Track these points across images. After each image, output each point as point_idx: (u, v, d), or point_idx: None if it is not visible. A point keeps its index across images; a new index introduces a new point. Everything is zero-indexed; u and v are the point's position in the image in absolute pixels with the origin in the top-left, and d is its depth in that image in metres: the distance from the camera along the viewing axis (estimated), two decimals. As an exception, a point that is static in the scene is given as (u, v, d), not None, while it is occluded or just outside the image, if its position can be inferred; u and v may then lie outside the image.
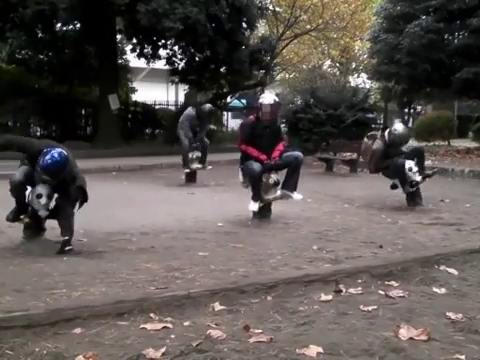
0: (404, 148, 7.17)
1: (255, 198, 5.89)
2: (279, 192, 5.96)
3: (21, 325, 2.51)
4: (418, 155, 7.11)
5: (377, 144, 7.15)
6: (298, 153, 6.12)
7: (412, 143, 8.82)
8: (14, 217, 4.76)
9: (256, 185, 5.88)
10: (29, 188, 4.63)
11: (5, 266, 3.89)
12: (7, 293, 3.15)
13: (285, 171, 6.09)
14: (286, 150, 6.24)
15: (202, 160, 9.65)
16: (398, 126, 7.22)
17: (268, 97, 6.17)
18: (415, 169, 6.82)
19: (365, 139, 7.92)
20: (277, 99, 6.19)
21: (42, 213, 4.64)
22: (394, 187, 7.12)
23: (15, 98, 15.93)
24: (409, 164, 6.83)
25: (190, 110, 9.74)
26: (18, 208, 4.73)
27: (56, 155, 4.34)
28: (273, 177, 5.91)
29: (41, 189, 4.56)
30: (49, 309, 2.68)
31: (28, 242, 4.72)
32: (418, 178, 6.86)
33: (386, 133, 7.12)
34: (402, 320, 2.74)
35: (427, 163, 7.30)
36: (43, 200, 4.56)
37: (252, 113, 6.27)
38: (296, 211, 6.49)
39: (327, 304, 3.01)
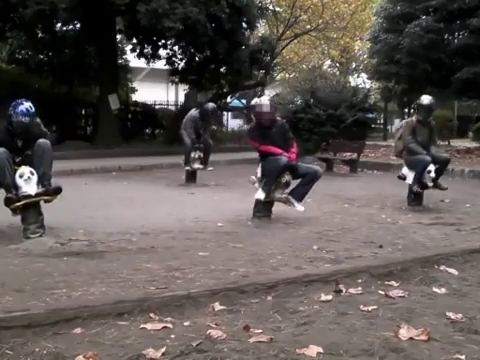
0: (433, 151, 7.18)
1: (265, 188, 5.89)
2: (285, 196, 5.98)
3: (21, 325, 2.51)
4: (443, 164, 7.15)
5: (409, 119, 7.59)
6: (319, 168, 6.32)
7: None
8: (10, 200, 4.81)
9: (273, 178, 5.89)
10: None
11: (5, 266, 3.88)
12: (7, 293, 3.15)
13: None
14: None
15: (204, 161, 9.65)
16: (424, 97, 7.33)
17: (264, 102, 6.18)
18: (432, 175, 6.89)
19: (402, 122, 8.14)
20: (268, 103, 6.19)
21: (29, 189, 4.77)
22: (401, 178, 7.15)
23: (15, 98, 15.91)
24: (431, 167, 6.89)
25: (193, 112, 9.73)
26: (6, 191, 4.83)
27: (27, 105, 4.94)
28: (286, 177, 5.94)
29: (20, 170, 4.79)
30: (49, 309, 2.68)
31: (28, 242, 4.71)
32: (430, 184, 6.94)
33: (416, 115, 7.35)
34: (402, 320, 2.74)
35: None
36: (26, 175, 4.77)
37: (250, 119, 6.39)
38: (296, 211, 6.48)
39: (327, 304, 3.01)
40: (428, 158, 6.91)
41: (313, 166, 6.26)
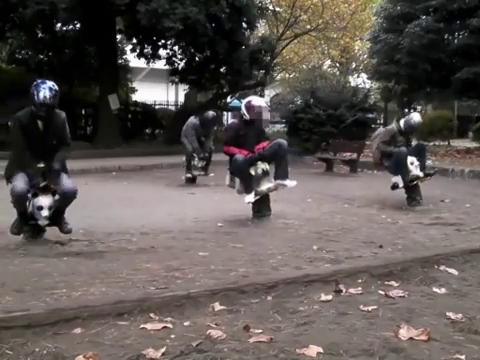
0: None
1: (248, 190, 5.90)
2: (272, 183, 5.97)
3: (21, 325, 2.51)
4: (420, 152, 7.21)
5: (389, 126, 7.43)
6: (281, 140, 6.20)
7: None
8: (19, 230, 4.77)
9: (243, 176, 5.91)
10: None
11: (5, 266, 3.88)
12: (7, 293, 3.15)
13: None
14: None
15: (205, 168, 9.63)
16: (415, 115, 7.40)
17: (259, 100, 6.33)
18: (416, 163, 6.95)
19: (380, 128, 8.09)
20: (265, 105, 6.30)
21: (42, 222, 4.68)
22: (395, 187, 7.13)
23: (15, 98, 15.93)
24: (411, 159, 6.95)
25: (193, 119, 9.63)
26: (21, 219, 4.76)
27: (50, 84, 4.63)
28: (260, 166, 5.92)
29: (42, 201, 4.62)
30: (49, 309, 2.68)
31: (28, 242, 4.72)
32: (420, 173, 6.95)
33: (402, 120, 7.31)
34: (402, 320, 2.74)
35: (427, 163, 7.38)
36: (44, 212, 4.62)
37: (237, 116, 6.40)
38: (296, 211, 6.49)
39: (327, 304, 3.01)
40: (403, 149, 6.99)
41: (276, 141, 6.14)
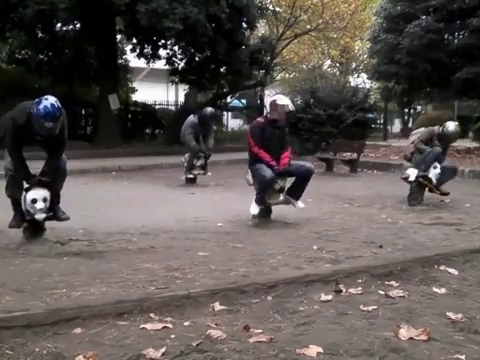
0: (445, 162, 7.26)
1: (259, 202, 5.84)
2: (282, 197, 5.93)
3: (21, 325, 2.51)
4: (449, 169, 7.19)
5: (431, 127, 7.40)
6: (311, 165, 6.16)
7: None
8: (18, 223, 4.77)
9: (264, 191, 5.81)
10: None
11: (5, 266, 3.89)
12: (7, 293, 3.15)
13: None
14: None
15: (204, 167, 9.60)
16: (450, 124, 7.33)
17: (289, 102, 6.01)
18: (438, 171, 6.95)
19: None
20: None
21: (39, 216, 4.68)
22: (405, 179, 7.19)
23: (15, 98, 15.89)
24: (436, 164, 6.98)
25: (192, 118, 9.53)
26: (17, 211, 4.76)
27: (52, 101, 4.40)
28: (279, 183, 5.86)
29: (34, 194, 4.62)
30: (49, 309, 2.68)
31: (28, 242, 4.71)
32: (434, 179, 6.97)
33: (443, 127, 7.25)
34: (402, 320, 2.74)
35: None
36: (39, 204, 4.62)
37: (261, 115, 6.29)
38: (296, 211, 6.48)
39: (327, 304, 3.01)
40: (438, 149, 6.99)
41: (305, 164, 6.13)
